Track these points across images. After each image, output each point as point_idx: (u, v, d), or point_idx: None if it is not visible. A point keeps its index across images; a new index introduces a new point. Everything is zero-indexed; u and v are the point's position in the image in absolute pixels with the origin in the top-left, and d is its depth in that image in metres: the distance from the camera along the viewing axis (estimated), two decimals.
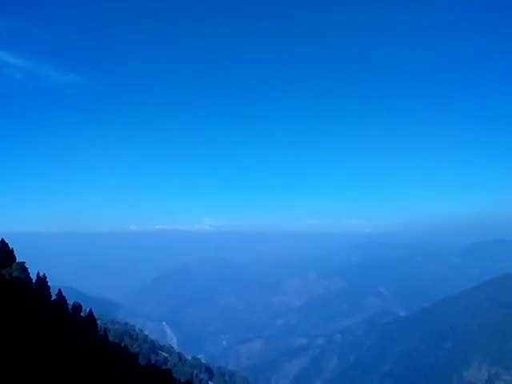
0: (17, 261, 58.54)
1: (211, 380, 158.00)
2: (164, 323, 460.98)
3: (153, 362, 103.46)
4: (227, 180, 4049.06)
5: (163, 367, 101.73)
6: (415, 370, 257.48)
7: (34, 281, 58.08)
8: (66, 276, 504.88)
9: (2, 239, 61.20)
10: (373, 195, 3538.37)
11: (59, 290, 64.73)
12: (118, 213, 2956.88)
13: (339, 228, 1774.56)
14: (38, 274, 58.90)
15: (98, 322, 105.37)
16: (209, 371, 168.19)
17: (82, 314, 70.88)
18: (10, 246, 61.27)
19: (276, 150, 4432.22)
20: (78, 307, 67.95)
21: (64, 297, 64.04)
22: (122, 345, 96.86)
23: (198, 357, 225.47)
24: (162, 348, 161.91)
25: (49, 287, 59.18)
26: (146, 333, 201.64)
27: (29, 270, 57.08)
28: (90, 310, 77.01)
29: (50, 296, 59.93)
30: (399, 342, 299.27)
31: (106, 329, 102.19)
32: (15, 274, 54.81)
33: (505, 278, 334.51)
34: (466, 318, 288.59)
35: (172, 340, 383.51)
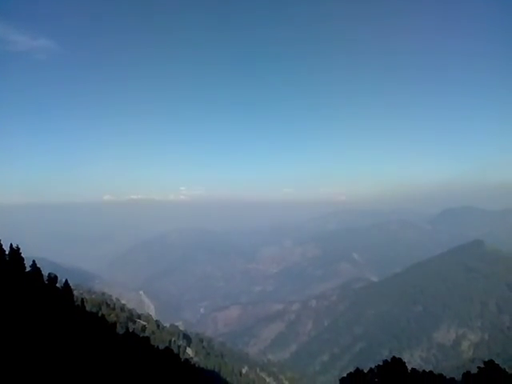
0: None
1: (189, 346, 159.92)
2: (141, 292, 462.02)
3: (131, 330, 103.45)
4: (202, 149, 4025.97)
5: (141, 335, 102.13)
6: (387, 332, 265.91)
7: (6, 253, 56.41)
8: (39, 247, 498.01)
9: None
10: (347, 164, 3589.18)
11: (33, 261, 63.17)
12: (91, 183, 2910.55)
13: (314, 196, 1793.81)
14: (11, 245, 57.05)
15: (75, 292, 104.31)
16: (187, 338, 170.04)
17: (57, 285, 69.60)
18: None
19: (250, 119, 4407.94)
20: (53, 278, 66.55)
21: (39, 268, 62.55)
22: (100, 315, 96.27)
23: (176, 324, 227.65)
24: (139, 317, 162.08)
25: (23, 259, 57.57)
26: (123, 302, 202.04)
27: (1, 242, 55.27)
28: (66, 280, 75.59)
29: (24, 268, 58.43)
30: (372, 306, 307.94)
31: (82, 299, 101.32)
32: None
33: (473, 244, 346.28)
34: (436, 282, 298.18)
35: (150, 308, 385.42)
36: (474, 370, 38.16)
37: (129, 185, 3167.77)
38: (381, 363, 41.89)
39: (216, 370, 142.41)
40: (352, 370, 43.53)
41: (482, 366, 37.71)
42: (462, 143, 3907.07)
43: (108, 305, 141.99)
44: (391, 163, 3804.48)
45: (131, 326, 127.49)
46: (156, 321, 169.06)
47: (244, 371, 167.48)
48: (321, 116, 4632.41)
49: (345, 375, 42.93)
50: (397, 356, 43.78)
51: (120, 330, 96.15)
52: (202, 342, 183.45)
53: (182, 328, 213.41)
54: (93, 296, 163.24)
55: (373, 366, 42.30)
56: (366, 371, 41.69)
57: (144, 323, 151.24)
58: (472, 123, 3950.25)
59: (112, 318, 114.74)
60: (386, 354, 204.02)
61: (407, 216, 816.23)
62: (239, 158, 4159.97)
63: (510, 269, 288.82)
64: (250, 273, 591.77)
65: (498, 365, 37.37)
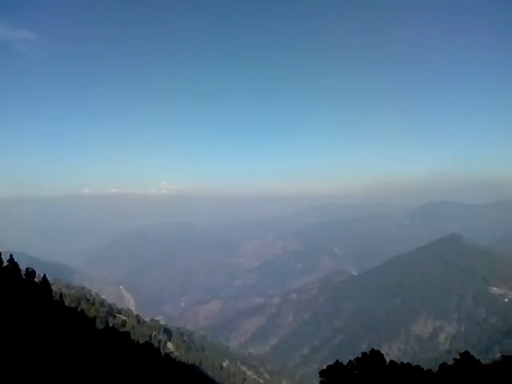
0: None
1: (170, 341, 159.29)
2: (121, 287, 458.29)
3: (111, 325, 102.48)
4: (185, 143, 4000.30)
5: (121, 330, 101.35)
6: (366, 325, 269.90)
7: None
8: (17, 242, 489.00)
9: None
10: (330, 158, 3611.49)
11: (11, 255, 62.04)
12: (70, 176, 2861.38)
13: (298, 190, 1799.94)
14: None
15: (53, 287, 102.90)
16: (167, 332, 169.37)
17: (35, 280, 68.42)
18: None
19: (233, 112, 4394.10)
20: (31, 273, 65.41)
21: (16, 262, 61.45)
22: (79, 310, 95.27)
23: (157, 319, 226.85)
24: (119, 311, 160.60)
25: (0, 253, 56.46)
26: (102, 297, 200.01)
27: None
28: (44, 275, 74.37)
29: (2, 262, 57.31)
30: (351, 299, 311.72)
31: (61, 294, 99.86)
32: None
33: (451, 238, 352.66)
34: (414, 275, 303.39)
35: (130, 303, 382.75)
36: (451, 362, 38.90)
37: (109, 178, 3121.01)
38: (360, 355, 42.36)
39: (197, 363, 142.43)
40: (331, 362, 43.85)
41: (458, 357, 38.46)
42: (442, 138, 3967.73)
43: (87, 300, 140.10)
44: (373, 158, 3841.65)
45: (111, 321, 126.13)
46: (136, 315, 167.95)
47: (225, 365, 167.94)
48: (304, 110, 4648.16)
49: (324, 368, 43.20)
50: (375, 348, 44.34)
51: (100, 325, 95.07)
52: (183, 336, 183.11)
53: (162, 322, 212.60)
54: (72, 291, 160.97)
55: (352, 359, 42.73)
56: (345, 363, 42.08)
57: (124, 318, 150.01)
58: (453, 118, 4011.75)
59: (91, 312, 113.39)
60: (364, 347, 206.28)
61: (387, 210, 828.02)
62: (222, 151, 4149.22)
63: (486, 263, 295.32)
64: (231, 267, 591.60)
65: (473, 356, 38.15)
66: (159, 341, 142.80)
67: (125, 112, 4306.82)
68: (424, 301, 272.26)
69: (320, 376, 42.04)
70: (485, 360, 50.05)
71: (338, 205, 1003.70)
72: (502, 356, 39.01)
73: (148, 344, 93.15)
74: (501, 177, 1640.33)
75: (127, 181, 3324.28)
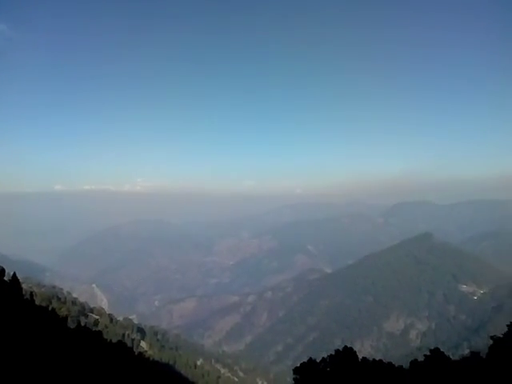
0: None
1: (143, 340, 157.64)
2: (94, 285, 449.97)
3: (83, 324, 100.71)
4: (161, 140, 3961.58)
5: (93, 329, 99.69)
6: (339, 322, 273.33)
7: None
8: None
9: None
10: (305, 157, 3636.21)
11: None
12: (42, 171, 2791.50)
13: (272, 189, 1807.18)
14: None
15: (23, 285, 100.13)
16: (141, 331, 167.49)
17: (5, 279, 66.57)
18: None
19: (210, 110, 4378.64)
20: (0, 271, 63.66)
21: None
22: (50, 308, 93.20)
23: (130, 317, 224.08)
24: (92, 310, 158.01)
25: None
26: (74, 295, 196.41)
27: None
28: (14, 273, 72.32)
29: None
30: (325, 297, 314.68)
31: (32, 293, 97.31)
32: None
33: (422, 237, 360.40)
34: (387, 273, 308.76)
35: (102, 302, 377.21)
36: (421, 358, 39.70)
37: (82, 175, 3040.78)
38: (333, 353, 42.76)
39: (171, 362, 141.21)
40: (305, 359, 44.17)
41: (428, 353, 39.26)
42: (415, 139, 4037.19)
43: (59, 298, 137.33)
44: (347, 157, 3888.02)
45: (83, 320, 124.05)
46: (109, 314, 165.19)
47: (199, 363, 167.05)
48: (277, 110, 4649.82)
49: (298, 365, 43.50)
50: (348, 345, 44.86)
51: (71, 325, 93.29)
52: (157, 334, 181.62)
53: (135, 321, 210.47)
54: (43, 289, 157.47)
55: (325, 356, 43.08)
56: (318, 361, 42.41)
57: (97, 317, 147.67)
58: (427, 119, 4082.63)
59: (63, 311, 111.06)
60: (338, 344, 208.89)
61: (361, 209, 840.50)
62: (198, 150, 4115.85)
63: (456, 261, 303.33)
64: (207, 265, 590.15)
65: (443, 352, 39.00)
66: (132, 340, 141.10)
67: (97, 107, 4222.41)
68: (396, 298, 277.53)
69: (294, 373, 42.29)
70: (454, 356, 51.41)
71: (312, 203, 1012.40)
72: (471, 352, 40.02)
73: (121, 343, 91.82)
74: (471, 177, 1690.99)
75: (101, 177, 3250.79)
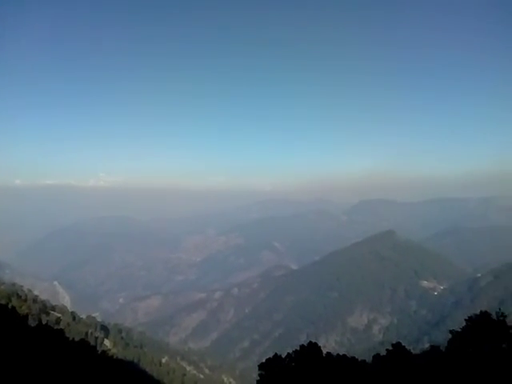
0: None
1: (107, 338, 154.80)
2: (56, 283, 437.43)
3: (44, 322, 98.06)
4: (123, 134, 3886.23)
5: (55, 327, 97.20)
6: (305, 318, 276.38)
7: None
8: None
9: None
10: (273, 155, 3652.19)
11: None
12: (0, 167, 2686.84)
13: (240, 186, 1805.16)
14: None
15: None
16: (105, 329, 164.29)
17: None
18: None
19: (176, 103, 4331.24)
20: None
21: None
22: (10, 306, 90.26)
23: (94, 315, 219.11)
24: (53, 308, 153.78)
25: None
26: (35, 293, 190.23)
27: None
28: None
29: None
30: (291, 293, 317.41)
31: None
32: None
33: (385, 234, 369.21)
34: (351, 269, 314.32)
35: (65, 300, 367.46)
36: (384, 353, 40.55)
37: (44, 169, 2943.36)
38: (298, 348, 43.12)
39: (135, 360, 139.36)
40: (271, 355, 44.37)
41: (390, 348, 40.16)
42: (379, 138, 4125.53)
43: (19, 296, 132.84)
44: (313, 156, 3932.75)
45: (44, 319, 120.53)
46: (72, 312, 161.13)
47: (164, 361, 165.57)
48: (244, 107, 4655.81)
49: (263, 361, 43.64)
50: (313, 341, 45.36)
51: (32, 323, 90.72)
52: (121, 332, 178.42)
53: (99, 319, 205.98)
54: (2, 287, 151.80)
55: (290, 351, 43.40)
56: (283, 356, 42.69)
57: (58, 315, 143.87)
58: (390, 118, 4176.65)
59: (23, 310, 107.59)
60: (303, 339, 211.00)
61: (326, 206, 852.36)
62: (164, 144, 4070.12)
63: (418, 257, 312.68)
64: (173, 262, 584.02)
65: (404, 347, 39.96)
66: (96, 338, 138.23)
67: (58, 102, 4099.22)
68: (360, 294, 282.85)
69: (259, 369, 42.40)
70: (415, 350, 52.72)
71: (279, 201, 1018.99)
72: (431, 346, 41.14)
73: (83, 342, 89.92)
74: (432, 176, 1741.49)
75: (63, 172, 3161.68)
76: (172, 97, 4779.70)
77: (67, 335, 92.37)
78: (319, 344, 44.07)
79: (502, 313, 35.06)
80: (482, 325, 34.76)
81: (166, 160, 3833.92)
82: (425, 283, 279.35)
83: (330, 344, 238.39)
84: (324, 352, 43.25)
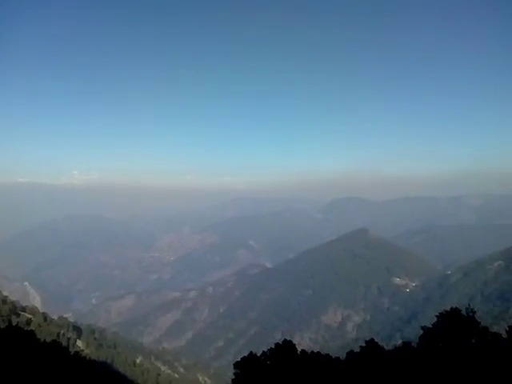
0: None
1: (80, 338, 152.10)
2: (26, 283, 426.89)
3: (14, 324, 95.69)
4: (97, 131, 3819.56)
5: (26, 329, 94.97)
6: (280, 316, 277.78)
7: None
8: None
9: None
10: (246, 153, 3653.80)
11: None
12: None
13: (215, 185, 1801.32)
14: None
15: None
16: (77, 329, 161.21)
17: None
18: None
19: (151, 100, 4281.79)
20: None
21: None
22: None
23: (66, 316, 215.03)
24: (24, 309, 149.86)
25: None
26: (5, 294, 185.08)
27: None
28: None
29: None
30: (266, 291, 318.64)
31: None
32: None
33: (359, 232, 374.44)
34: (325, 267, 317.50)
35: (35, 300, 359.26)
36: (357, 349, 41.08)
37: (15, 166, 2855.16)
38: (273, 346, 43.27)
39: (108, 361, 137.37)
40: (246, 354, 44.39)
41: (364, 344, 40.72)
42: (352, 137, 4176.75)
43: None
44: (287, 154, 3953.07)
45: (14, 320, 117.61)
46: (43, 313, 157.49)
47: (138, 361, 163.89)
48: (218, 105, 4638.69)
49: (239, 359, 43.63)
50: (288, 338, 45.57)
51: (1, 324, 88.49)
52: (94, 333, 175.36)
53: (71, 320, 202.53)
54: None
55: (265, 350, 43.50)
56: (259, 355, 42.76)
57: (29, 316, 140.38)
58: (363, 118, 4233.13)
59: None
60: (278, 337, 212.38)
61: (301, 205, 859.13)
62: (138, 143, 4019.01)
63: (390, 255, 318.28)
64: (147, 261, 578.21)
65: (377, 343, 40.55)
66: (68, 339, 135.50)
67: (31, 99, 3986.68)
68: (334, 291, 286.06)
69: (234, 368, 42.36)
70: (388, 346, 53.59)
71: (253, 199, 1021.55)
72: (403, 342, 41.94)
73: (55, 343, 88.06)
74: (404, 176, 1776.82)
75: (35, 170, 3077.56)
76: (146, 96, 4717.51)
77: (38, 336, 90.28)
78: (294, 341, 44.34)
79: (472, 309, 35.96)
80: (452, 321, 35.56)
81: (141, 159, 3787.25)
82: (397, 280, 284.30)
83: (304, 341, 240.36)
84: (299, 349, 43.53)
